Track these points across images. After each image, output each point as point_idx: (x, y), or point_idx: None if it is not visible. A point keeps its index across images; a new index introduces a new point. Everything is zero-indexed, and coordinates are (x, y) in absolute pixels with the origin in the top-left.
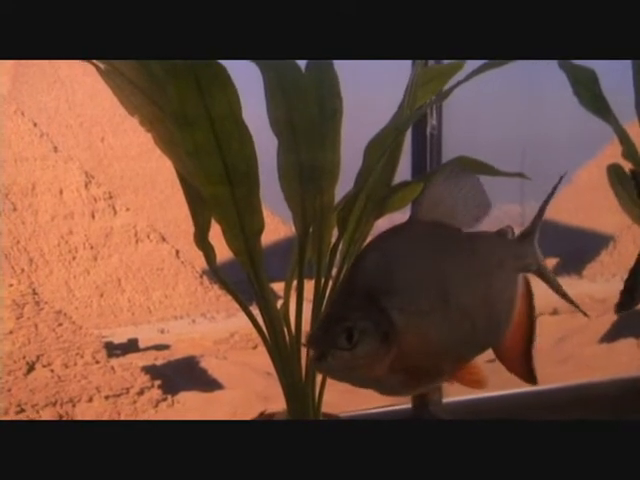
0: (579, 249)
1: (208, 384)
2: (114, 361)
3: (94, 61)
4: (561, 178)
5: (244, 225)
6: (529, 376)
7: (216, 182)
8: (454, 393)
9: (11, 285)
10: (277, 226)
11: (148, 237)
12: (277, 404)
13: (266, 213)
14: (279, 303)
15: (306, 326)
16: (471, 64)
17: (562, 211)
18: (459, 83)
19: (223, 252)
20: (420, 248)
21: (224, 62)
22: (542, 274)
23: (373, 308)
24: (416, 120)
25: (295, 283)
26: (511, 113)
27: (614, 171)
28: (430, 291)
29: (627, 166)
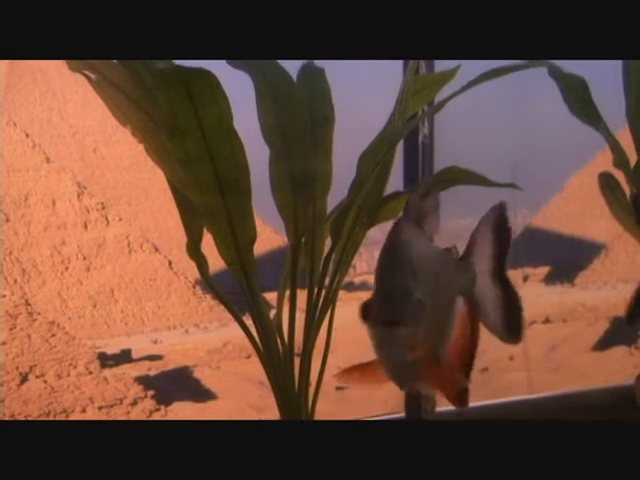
0: (571, 257)
1: (201, 394)
2: (107, 372)
3: (85, 72)
4: None
5: (236, 234)
6: (453, 398)
7: (208, 191)
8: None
9: (4, 296)
10: (270, 235)
11: (141, 247)
12: (271, 414)
13: (258, 222)
14: (272, 313)
15: (299, 336)
16: (463, 72)
17: (553, 219)
18: (453, 94)
19: (217, 262)
20: (426, 248)
21: (217, 64)
22: (471, 300)
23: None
24: (409, 130)
25: (288, 293)
26: (503, 121)
27: (605, 179)
28: (427, 287)
29: (618, 174)
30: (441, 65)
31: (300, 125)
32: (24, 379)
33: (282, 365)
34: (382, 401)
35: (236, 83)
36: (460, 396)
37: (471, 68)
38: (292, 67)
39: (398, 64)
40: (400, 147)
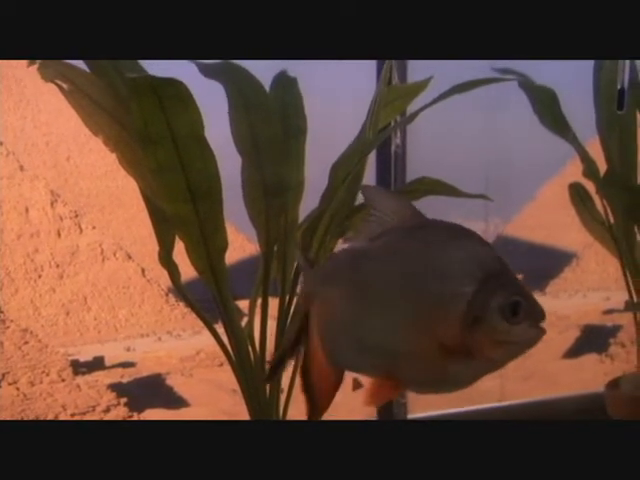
0: (542, 266)
1: (174, 402)
2: (80, 379)
3: (57, 81)
4: None
5: (207, 243)
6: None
7: (179, 200)
8: (419, 409)
9: None
10: (242, 243)
11: (114, 255)
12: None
13: (231, 230)
14: (245, 321)
15: (270, 344)
16: (435, 84)
17: (525, 228)
18: (424, 107)
19: (191, 270)
20: None
21: (190, 74)
22: None
23: None
24: (381, 141)
25: (260, 301)
26: (476, 131)
27: (575, 190)
28: None
29: (589, 184)
30: (414, 76)
31: (272, 135)
32: None
33: (253, 372)
34: (355, 408)
35: (209, 92)
36: None
37: (444, 77)
38: (262, 72)
39: (373, 73)
40: (373, 157)
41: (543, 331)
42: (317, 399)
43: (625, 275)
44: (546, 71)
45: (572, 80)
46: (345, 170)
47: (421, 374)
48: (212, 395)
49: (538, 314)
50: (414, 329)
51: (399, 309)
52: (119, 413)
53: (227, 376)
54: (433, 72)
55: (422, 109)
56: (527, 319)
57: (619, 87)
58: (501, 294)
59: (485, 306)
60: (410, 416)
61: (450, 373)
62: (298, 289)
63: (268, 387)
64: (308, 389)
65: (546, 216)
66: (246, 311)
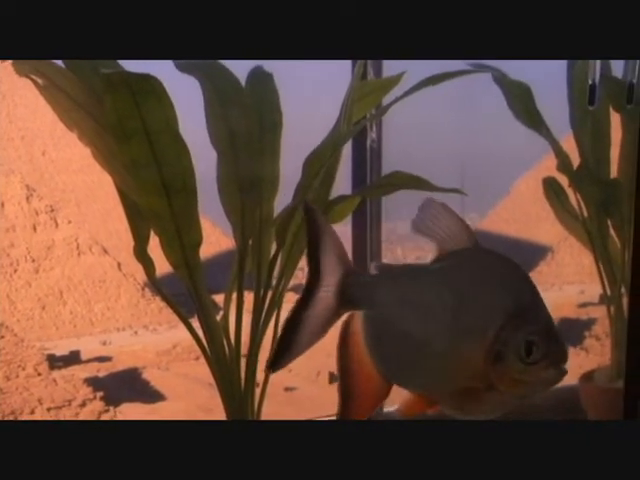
0: (518, 259)
1: (150, 396)
2: (56, 373)
3: (32, 76)
4: None
5: (182, 237)
6: None
7: (153, 195)
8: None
9: None
10: (219, 238)
11: (90, 250)
12: (220, 415)
13: (208, 224)
14: (220, 314)
15: (245, 337)
16: (411, 80)
17: (500, 222)
18: (397, 99)
19: (168, 264)
20: None
21: (165, 69)
22: None
23: None
24: (355, 135)
25: (235, 295)
26: (451, 125)
27: (549, 184)
28: None
29: (563, 179)
30: (389, 72)
31: (248, 130)
32: None
33: (228, 366)
34: (329, 403)
35: (185, 88)
36: None
37: (420, 73)
38: (240, 69)
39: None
40: (349, 151)
41: (563, 373)
42: (357, 404)
43: (599, 268)
44: (522, 67)
45: (549, 75)
46: (318, 164)
47: (451, 398)
48: (189, 389)
49: (557, 356)
50: (448, 355)
51: (439, 333)
52: (95, 407)
53: (203, 370)
54: (408, 68)
55: (395, 101)
56: (544, 360)
57: (590, 83)
58: (521, 332)
59: (506, 342)
60: (387, 409)
61: (475, 402)
62: (273, 284)
63: (243, 381)
64: (347, 391)
65: (521, 210)
66: (222, 305)
